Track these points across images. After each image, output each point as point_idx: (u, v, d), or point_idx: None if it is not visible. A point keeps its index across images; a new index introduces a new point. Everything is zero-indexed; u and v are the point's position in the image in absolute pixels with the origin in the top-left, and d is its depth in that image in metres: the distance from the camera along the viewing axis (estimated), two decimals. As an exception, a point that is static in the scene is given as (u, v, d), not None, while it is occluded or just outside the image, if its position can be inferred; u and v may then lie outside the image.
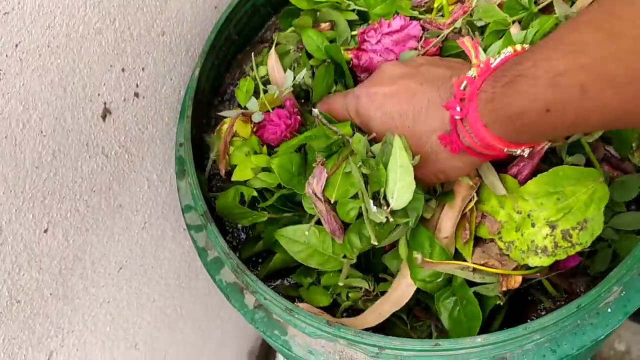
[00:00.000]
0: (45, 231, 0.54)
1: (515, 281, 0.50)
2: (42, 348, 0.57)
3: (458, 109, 0.43)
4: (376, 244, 0.50)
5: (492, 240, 0.52)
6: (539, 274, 0.52)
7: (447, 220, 0.53)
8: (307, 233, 0.54)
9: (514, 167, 0.53)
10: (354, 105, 0.53)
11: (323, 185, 0.52)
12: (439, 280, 0.52)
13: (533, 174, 0.51)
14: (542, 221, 0.49)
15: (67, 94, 0.53)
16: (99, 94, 0.57)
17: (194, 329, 0.90)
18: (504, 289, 0.50)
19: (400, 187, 0.47)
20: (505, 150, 0.43)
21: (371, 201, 0.49)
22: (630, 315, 0.94)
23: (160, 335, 0.81)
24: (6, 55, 0.46)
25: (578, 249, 0.49)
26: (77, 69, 0.53)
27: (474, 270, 0.51)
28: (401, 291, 0.53)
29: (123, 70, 0.59)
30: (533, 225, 0.50)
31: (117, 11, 0.56)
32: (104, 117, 0.58)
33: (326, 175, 0.52)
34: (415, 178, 0.47)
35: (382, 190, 0.48)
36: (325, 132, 0.53)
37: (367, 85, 0.53)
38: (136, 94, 0.62)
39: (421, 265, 0.51)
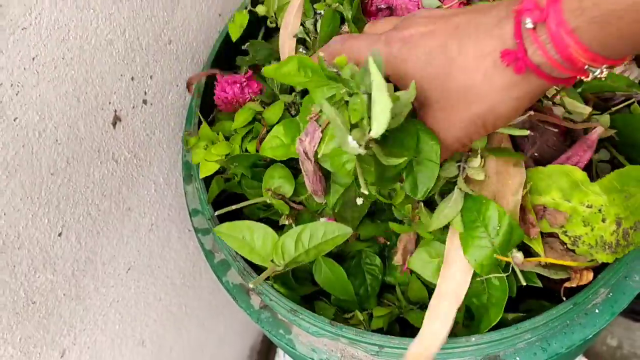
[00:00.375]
0: (60, 235, 0.57)
1: (587, 278, 0.50)
2: (56, 346, 0.59)
3: (534, 12, 0.36)
4: (366, 192, 0.44)
5: (550, 235, 0.51)
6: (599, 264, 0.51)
7: (509, 194, 0.49)
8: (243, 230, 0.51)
9: (573, 156, 0.52)
10: (384, 53, 0.44)
11: (317, 145, 0.47)
12: (494, 264, 0.49)
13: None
14: (613, 217, 0.49)
15: (81, 104, 0.55)
16: (109, 102, 0.59)
17: (198, 326, 0.93)
18: (575, 285, 0.50)
19: (378, 110, 0.39)
20: (586, 67, 0.37)
21: (347, 132, 0.41)
22: (622, 312, 0.99)
23: (166, 333, 0.83)
24: (24, 69, 0.48)
25: (631, 248, 0.50)
26: (90, 79, 0.55)
27: (547, 265, 0.50)
28: (456, 281, 0.50)
29: (132, 79, 0.61)
30: (604, 221, 0.49)
31: (127, 22, 0.58)
32: (114, 124, 0.61)
33: (320, 133, 0.46)
34: (454, 130, 0.42)
35: (365, 120, 0.40)
36: (327, 74, 0.44)
37: (399, 30, 0.45)
38: (144, 101, 0.65)
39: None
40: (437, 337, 0.48)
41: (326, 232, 0.50)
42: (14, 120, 0.48)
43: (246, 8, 0.66)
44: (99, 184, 0.61)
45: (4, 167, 0.48)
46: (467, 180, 0.50)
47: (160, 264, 0.77)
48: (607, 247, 0.49)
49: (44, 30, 0.48)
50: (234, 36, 0.64)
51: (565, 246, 0.51)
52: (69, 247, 0.58)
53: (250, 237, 0.51)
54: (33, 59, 0.48)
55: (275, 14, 0.64)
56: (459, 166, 0.49)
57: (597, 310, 0.51)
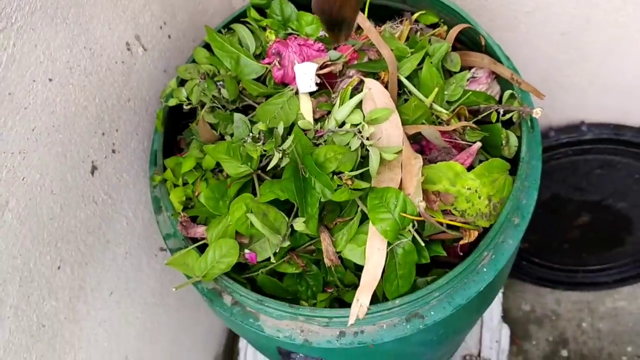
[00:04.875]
0: (59, 268, 0.69)
1: (474, 235, 0.69)
2: (64, 362, 0.71)
3: None
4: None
5: (444, 211, 0.70)
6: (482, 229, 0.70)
7: (413, 176, 0.67)
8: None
9: (459, 159, 0.72)
10: None
11: None
12: (399, 230, 0.66)
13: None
14: (485, 195, 0.69)
15: (67, 160, 0.68)
16: (88, 155, 0.72)
17: (169, 340, 1.05)
18: (467, 241, 0.69)
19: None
20: None
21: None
22: (532, 279, 1.25)
23: (144, 347, 0.95)
24: (27, 138, 0.61)
25: (497, 217, 0.70)
26: (72, 139, 0.68)
27: (447, 226, 0.68)
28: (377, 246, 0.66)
29: (103, 134, 0.75)
30: (480, 198, 0.69)
31: (97, 89, 0.71)
32: (92, 172, 0.73)
33: None
34: None
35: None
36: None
37: None
38: (113, 151, 0.78)
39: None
40: (378, 267, 0.65)
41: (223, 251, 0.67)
42: (23, 179, 0.61)
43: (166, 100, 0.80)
44: (85, 223, 0.73)
45: (18, 217, 0.61)
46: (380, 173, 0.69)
47: (135, 286, 0.89)
48: (484, 216, 0.69)
49: (39, 106, 0.61)
50: (159, 129, 0.80)
51: (455, 217, 0.70)
52: (65, 278, 0.71)
53: (190, 261, 0.69)
54: (33, 129, 0.61)
55: (187, 97, 0.78)
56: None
57: (484, 269, 0.69)
